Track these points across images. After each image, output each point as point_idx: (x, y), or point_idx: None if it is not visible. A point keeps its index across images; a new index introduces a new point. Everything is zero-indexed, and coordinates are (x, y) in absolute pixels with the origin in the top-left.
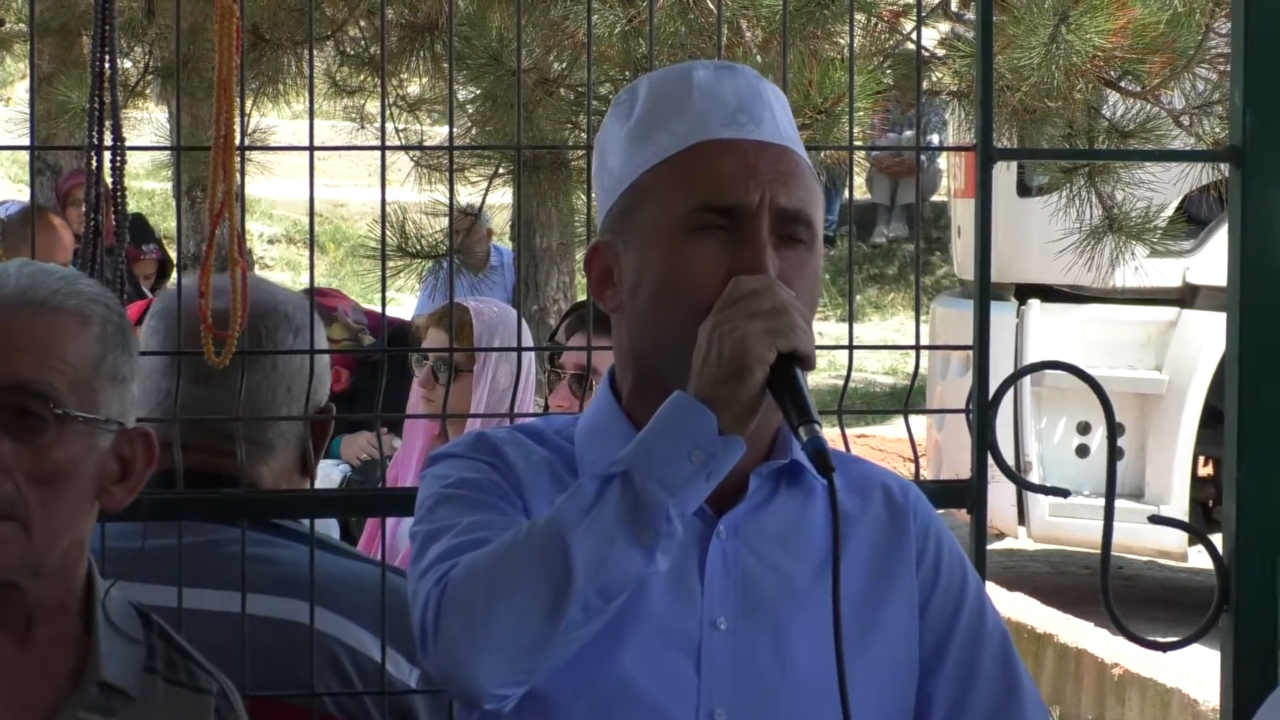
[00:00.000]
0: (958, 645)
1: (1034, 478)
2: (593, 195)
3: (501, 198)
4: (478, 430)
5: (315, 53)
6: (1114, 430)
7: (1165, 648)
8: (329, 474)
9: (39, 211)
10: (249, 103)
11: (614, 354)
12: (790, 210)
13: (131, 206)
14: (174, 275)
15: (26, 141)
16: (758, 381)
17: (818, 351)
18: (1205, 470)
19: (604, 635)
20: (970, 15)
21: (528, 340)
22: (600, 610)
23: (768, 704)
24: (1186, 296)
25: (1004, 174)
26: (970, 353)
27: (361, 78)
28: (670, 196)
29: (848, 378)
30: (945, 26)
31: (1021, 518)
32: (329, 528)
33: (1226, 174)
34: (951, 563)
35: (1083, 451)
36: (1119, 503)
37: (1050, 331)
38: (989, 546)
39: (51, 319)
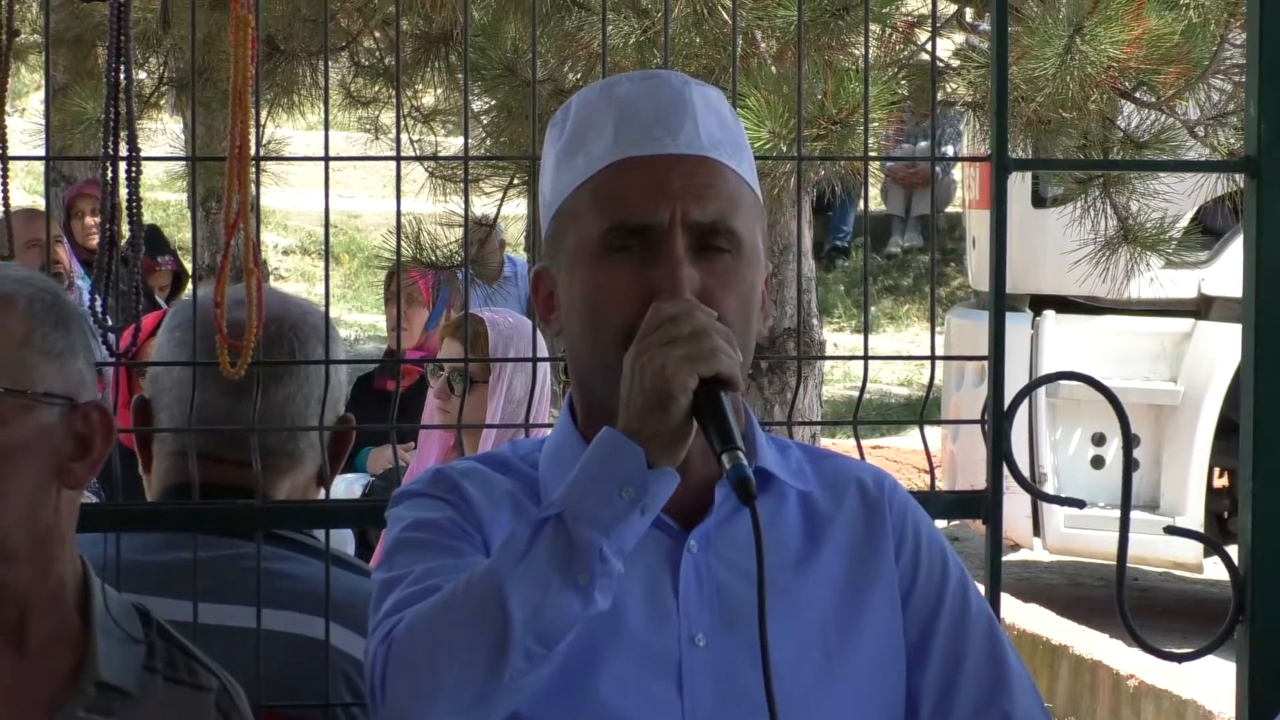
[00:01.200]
0: (943, 633)
1: (1049, 489)
2: None
3: (516, 208)
4: (438, 465)
5: (330, 64)
6: (1129, 441)
7: (1181, 659)
8: (350, 486)
9: (37, 218)
10: (264, 114)
11: (569, 377)
12: (705, 224)
13: (146, 218)
14: (189, 286)
15: (41, 152)
16: (681, 410)
17: (834, 361)
18: (1220, 482)
19: (583, 661)
20: (985, 26)
21: (543, 351)
22: (543, 657)
23: (752, 717)
24: (1202, 307)
25: (1019, 185)
26: (985, 364)
27: (376, 89)
28: (587, 221)
29: (863, 388)
30: (960, 37)
31: (1037, 529)
32: (343, 540)
33: (1241, 184)
34: (931, 551)
35: (1098, 463)
36: (1134, 514)
37: (1065, 342)
38: (1004, 558)
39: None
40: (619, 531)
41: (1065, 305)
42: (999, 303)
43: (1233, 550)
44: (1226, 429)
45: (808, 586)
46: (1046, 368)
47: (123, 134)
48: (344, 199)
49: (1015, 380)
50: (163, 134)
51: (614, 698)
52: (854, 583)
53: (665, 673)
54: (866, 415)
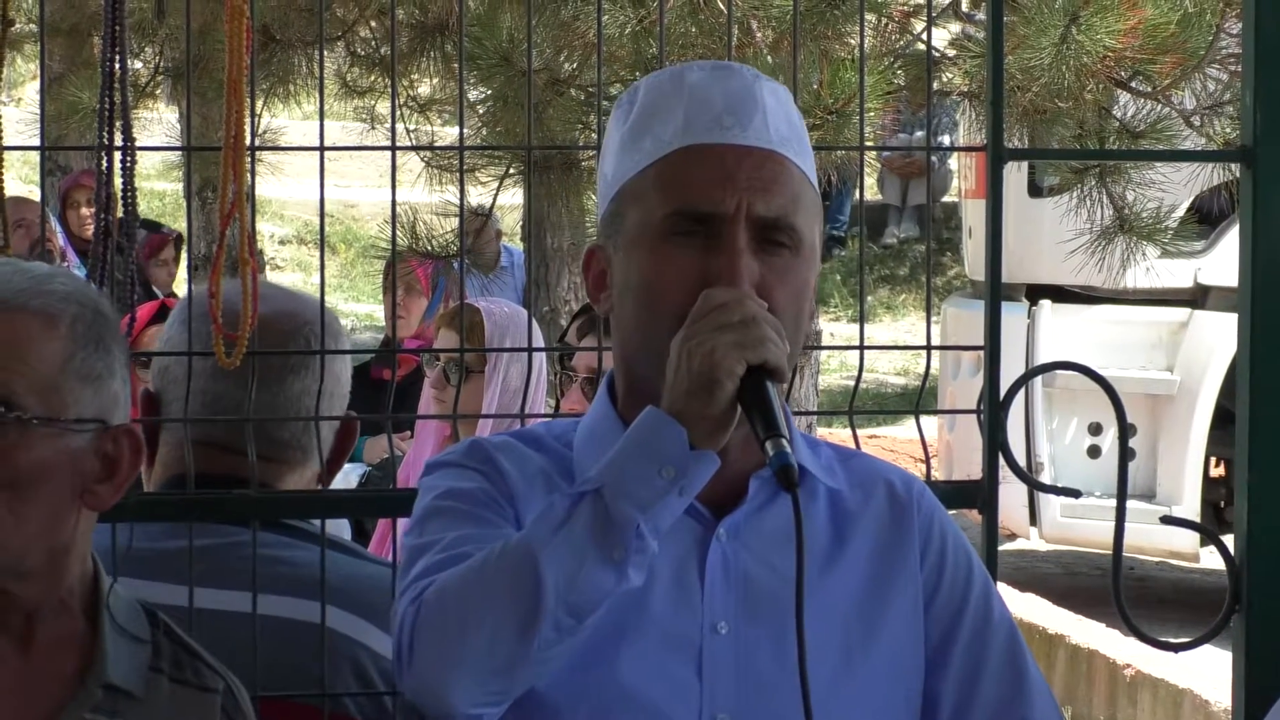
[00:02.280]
0: (964, 639)
1: (1045, 478)
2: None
3: (512, 198)
4: (473, 437)
5: (326, 53)
6: (1126, 431)
7: (1177, 648)
8: (347, 476)
9: (24, 203)
10: (259, 103)
11: (612, 357)
12: (768, 219)
13: (142, 207)
14: (189, 269)
15: (37, 142)
16: (727, 395)
17: (831, 351)
18: (1217, 471)
19: (605, 641)
20: (980, 16)
21: (539, 341)
22: (572, 629)
23: (771, 707)
24: (1198, 297)
25: (1015, 174)
26: (981, 353)
27: (372, 78)
28: (650, 202)
29: (859, 378)
30: (955, 27)
31: (1033, 518)
32: (340, 529)
33: (1237, 174)
34: (957, 556)
35: (1094, 452)
36: (1130, 504)
37: (1061, 332)
38: (1000, 547)
39: (13, 320)
40: (656, 510)
41: (1061, 295)
42: (995, 292)
43: (1229, 540)
44: (1222, 418)
45: (832, 584)
46: (1043, 357)
47: (118, 124)
48: (340, 189)
49: (1011, 370)
50: (158, 123)
51: (634, 679)
52: (878, 583)
53: (686, 658)
54: (862, 405)
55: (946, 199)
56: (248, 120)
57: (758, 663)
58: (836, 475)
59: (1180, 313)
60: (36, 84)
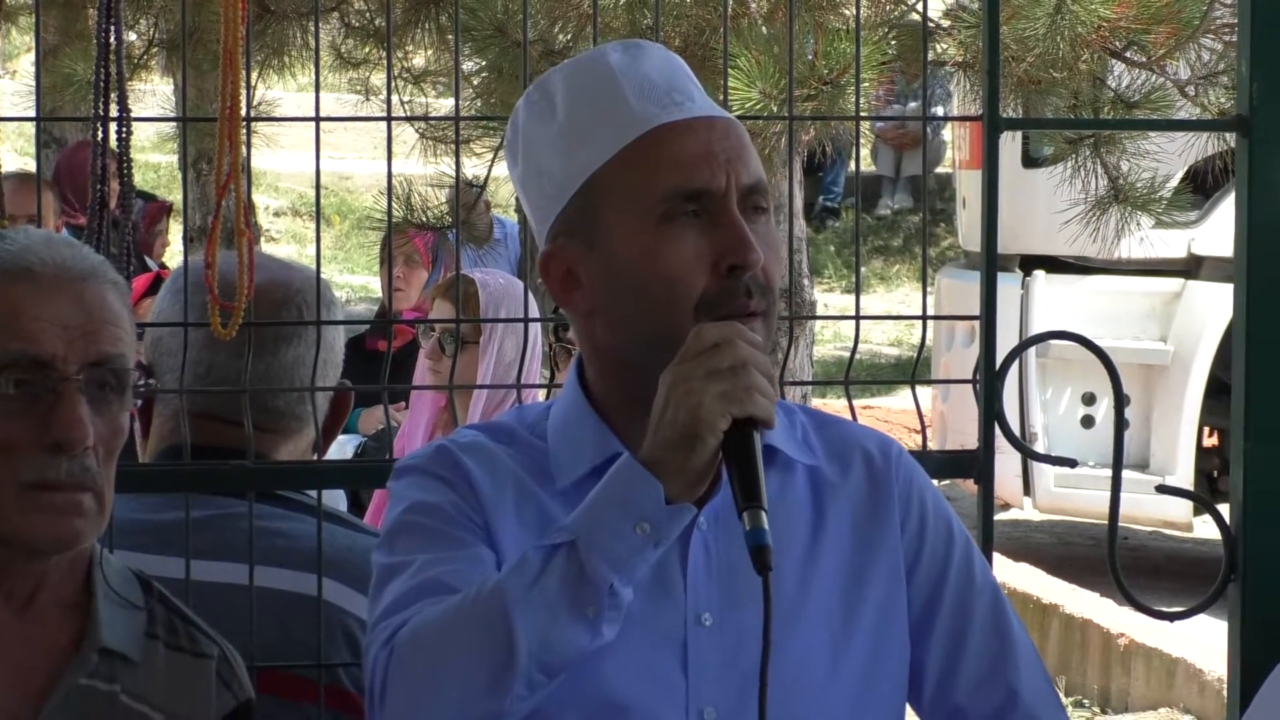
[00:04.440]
0: (947, 605)
1: (1039, 448)
2: None
3: (507, 170)
4: (440, 440)
5: (321, 25)
6: (1121, 401)
7: (1172, 617)
8: (343, 447)
9: (27, 178)
10: (254, 75)
11: (583, 350)
12: (753, 185)
13: (136, 179)
14: (184, 241)
15: (32, 114)
16: (709, 450)
17: (825, 322)
18: (1210, 441)
19: None
20: None
21: (534, 312)
22: (544, 685)
23: (757, 698)
24: (1192, 267)
25: (1009, 145)
26: (975, 324)
27: (367, 50)
28: (633, 190)
29: (854, 348)
30: None
31: (1027, 488)
32: (335, 500)
33: (1233, 144)
34: (937, 521)
35: (1087, 422)
36: (1124, 473)
37: (1055, 302)
38: (994, 517)
39: (104, 291)
40: (631, 564)
41: (1055, 265)
42: (990, 263)
43: (1223, 509)
44: (1216, 388)
45: (817, 562)
46: (1036, 328)
47: (113, 95)
48: (335, 160)
49: (1005, 340)
50: (153, 95)
51: (619, 681)
52: (860, 557)
53: (671, 653)
54: (857, 375)
55: (940, 170)
56: (243, 92)
57: (744, 652)
58: (814, 449)
59: (1174, 283)
60: (31, 56)
